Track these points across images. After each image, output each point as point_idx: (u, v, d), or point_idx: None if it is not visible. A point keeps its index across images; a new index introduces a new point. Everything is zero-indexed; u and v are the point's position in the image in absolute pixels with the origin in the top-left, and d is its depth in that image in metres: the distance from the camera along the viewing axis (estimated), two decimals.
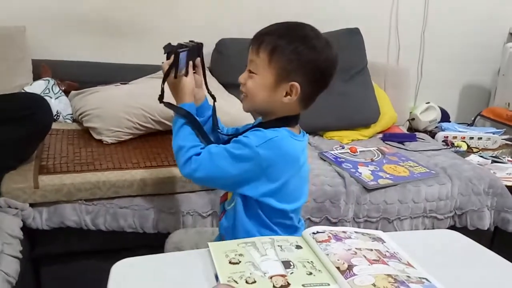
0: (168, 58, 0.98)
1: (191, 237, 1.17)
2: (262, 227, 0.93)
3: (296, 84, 0.89)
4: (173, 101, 1.01)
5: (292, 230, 0.96)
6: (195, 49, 1.01)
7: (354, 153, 1.72)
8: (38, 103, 1.24)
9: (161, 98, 0.98)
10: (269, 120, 0.94)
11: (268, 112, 0.94)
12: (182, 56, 0.96)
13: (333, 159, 1.64)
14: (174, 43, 0.99)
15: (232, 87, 1.84)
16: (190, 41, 1.02)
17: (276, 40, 0.89)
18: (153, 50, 1.97)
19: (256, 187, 0.90)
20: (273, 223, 0.94)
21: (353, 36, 2.10)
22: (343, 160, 1.64)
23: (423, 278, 0.71)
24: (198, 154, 0.91)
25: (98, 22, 1.94)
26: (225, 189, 1.00)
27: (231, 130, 1.08)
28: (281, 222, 0.95)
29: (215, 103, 1.06)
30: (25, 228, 1.17)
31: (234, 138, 0.92)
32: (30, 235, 1.23)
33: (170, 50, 0.98)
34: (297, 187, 0.96)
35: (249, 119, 1.64)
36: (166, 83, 0.98)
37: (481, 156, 1.89)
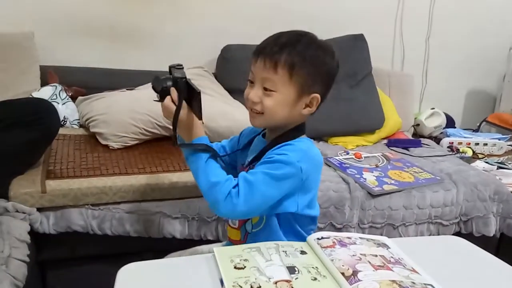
0: (162, 96, 0.88)
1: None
2: (298, 239, 0.89)
3: (317, 95, 0.90)
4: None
5: None
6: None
7: (359, 158, 1.73)
8: (46, 108, 1.25)
9: (175, 140, 0.92)
10: (286, 132, 0.93)
11: (284, 125, 0.93)
12: (191, 85, 0.87)
13: (337, 165, 1.64)
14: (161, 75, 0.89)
15: (238, 92, 1.85)
16: (171, 67, 0.91)
17: (293, 55, 0.87)
18: (158, 56, 2.03)
19: (295, 201, 0.89)
20: (305, 231, 0.94)
21: (357, 42, 2.11)
22: (348, 165, 1.64)
23: (428, 285, 0.71)
24: (235, 186, 0.85)
25: (104, 28, 1.96)
26: (264, 214, 0.92)
27: (219, 149, 1.06)
28: (312, 229, 0.96)
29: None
30: (32, 232, 1.18)
31: (265, 160, 0.88)
32: (36, 239, 1.24)
33: (164, 84, 0.87)
34: (317, 191, 0.97)
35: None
36: (176, 124, 0.89)
37: (487, 162, 1.88)
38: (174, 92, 0.89)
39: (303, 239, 0.88)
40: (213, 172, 0.87)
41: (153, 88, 0.91)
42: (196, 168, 0.89)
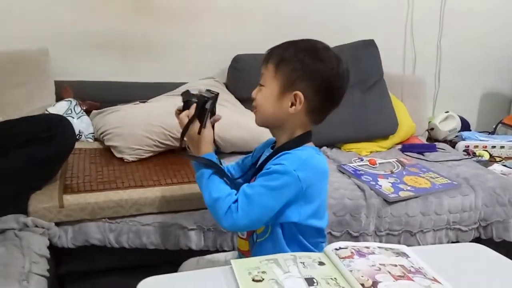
0: (185, 107, 0.96)
1: (203, 267, 1.14)
2: (303, 251, 0.90)
3: (299, 93, 0.90)
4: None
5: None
6: (215, 100, 0.98)
7: (373, 165, 1.71)
8: (62, 124, 1.27)
9: (181, 149, 0.99)
10: (289, 141, 0.94)
11: (278, 125, 0.95)
12: (206, 106, 0.95)
13: (352, 172, 1.63)
14: (193, 91, 0.97)
15: (248, 102, 1.82)
16: (207, 90, 0.99)
17: (283, 52, 0.92)
18: (170, 68, 2.05)
19: (297, 211, 0.89)
20: (311, 244, 0.93)
21: (368, 48, 2.11)
22: (362, 172, 1.63)
23: None
24: (235, 201, 0.87)
25: (116, 42, 1.99)
26: (267, 223, 0.93)
27: (235, 169, 1.10)
28: (318, 242, 0.95)
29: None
30: (50, 246, 1.19)
31: (263, 172, 0.90)
32: (55, 253, 1.25)
33: (190, 98, 0.95)
34: (325, 202, 0.97)
35: (264, 133, 1.64)
36: (184, 134, 0.96)
37: (505, 165, 1.85)
38: (192, 108, 0.95)
39: (307, 251, 0.89)
40: (215, 187, 0.90)
41: (182, 99, 0.98)
42: (200, 184, 0.94)
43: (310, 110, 0.92)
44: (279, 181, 0.86)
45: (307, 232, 0.93)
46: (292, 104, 0.91)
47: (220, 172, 0.93)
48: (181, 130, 0.96)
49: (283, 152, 0.91)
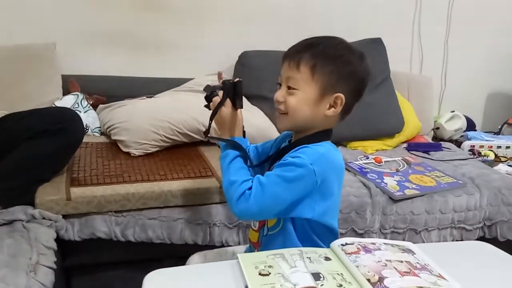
0: (208, 100, 0.98)
1: (211, 260, 1.14)
2: None
3: (341, 95, 0.89)
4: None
5: None
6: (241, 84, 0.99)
7: (379, 163, 1.71)
8: (71, 117, 1.28)
9: (207, 132, 0.99)
10: (309, 135, 0.92)
11: (308, 127, 0.93)
12: (238, 88, 0.96)
13: (358, 170, 1.63)
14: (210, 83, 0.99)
15: (255, 98, 1.86)
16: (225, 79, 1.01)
17: (318, 53, 0.89)
18: (177, 64, 2.06)
19: (311, 207, 0.88)
20: (325, 244, 0.91)
21: (375, 46, 2.10)
22: (368, 170, 1.63)
23: None
24: (250, 188, 0.87)
25: (124, 37, 1.99)
26: (278, 216, 0.92)
27: (251, 151, 1.08)
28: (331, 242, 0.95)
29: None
30: (57, 239, 1.20)
31: (280, 162, 0.89)
32: (61, 245, 1.26)
33: (214, 90, 0.97)
34: (338, 201, 0.96)
35: (271, 129, 1.65)
36: (214, 117, 0.97)
37: (510, 166, 1.85)
38: (221, 92, 0.96)
39: None
40: (236, 171, 0.91)
41: (205, 96, 0.99)
42: (223, 164, 0.94)
43: (345, 109, 0.91)
44: (295, 173, 0.85)
45: (321, 230, 0.92)
46: (331, 106, 0.90)
47: (245, 157, 0.94)
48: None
49: (302, 146, 0.90)
